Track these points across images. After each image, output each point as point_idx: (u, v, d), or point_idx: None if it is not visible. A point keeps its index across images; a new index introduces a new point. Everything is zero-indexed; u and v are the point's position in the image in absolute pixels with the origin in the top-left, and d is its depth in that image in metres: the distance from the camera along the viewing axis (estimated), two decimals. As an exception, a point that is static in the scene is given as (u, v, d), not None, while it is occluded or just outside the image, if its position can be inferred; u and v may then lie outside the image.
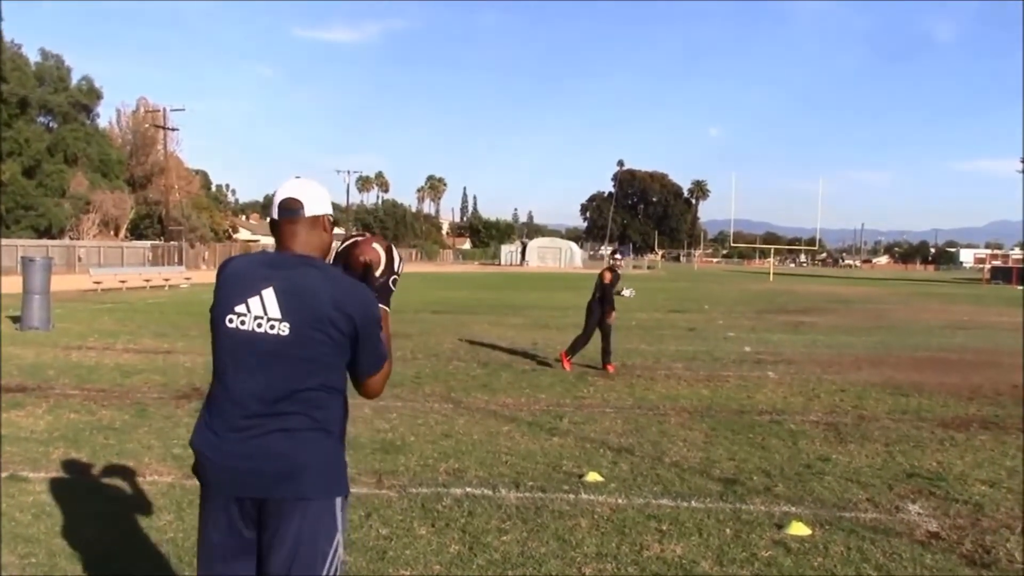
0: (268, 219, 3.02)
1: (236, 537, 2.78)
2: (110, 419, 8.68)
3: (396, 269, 3.03)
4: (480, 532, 5.46)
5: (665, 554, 5.13)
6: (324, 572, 2.76)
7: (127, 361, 12.97)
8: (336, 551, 2.79)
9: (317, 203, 2.92)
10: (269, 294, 2.78)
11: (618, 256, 14.10)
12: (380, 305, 2.90)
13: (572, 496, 6.27)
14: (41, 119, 66.58)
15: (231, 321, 2.80)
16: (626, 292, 13.82)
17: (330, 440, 2.81)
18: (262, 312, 2.77)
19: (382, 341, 2.89)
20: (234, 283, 2.86)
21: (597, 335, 13.08)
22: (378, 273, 2.96)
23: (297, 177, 2.99)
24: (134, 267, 46.53)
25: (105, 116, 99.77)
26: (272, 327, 2.75)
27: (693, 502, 6.18)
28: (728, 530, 5.59)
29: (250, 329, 2.77)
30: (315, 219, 2.91)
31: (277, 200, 2.91)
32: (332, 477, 2.82)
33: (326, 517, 2.77)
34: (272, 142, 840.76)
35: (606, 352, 12.93)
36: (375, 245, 3.00)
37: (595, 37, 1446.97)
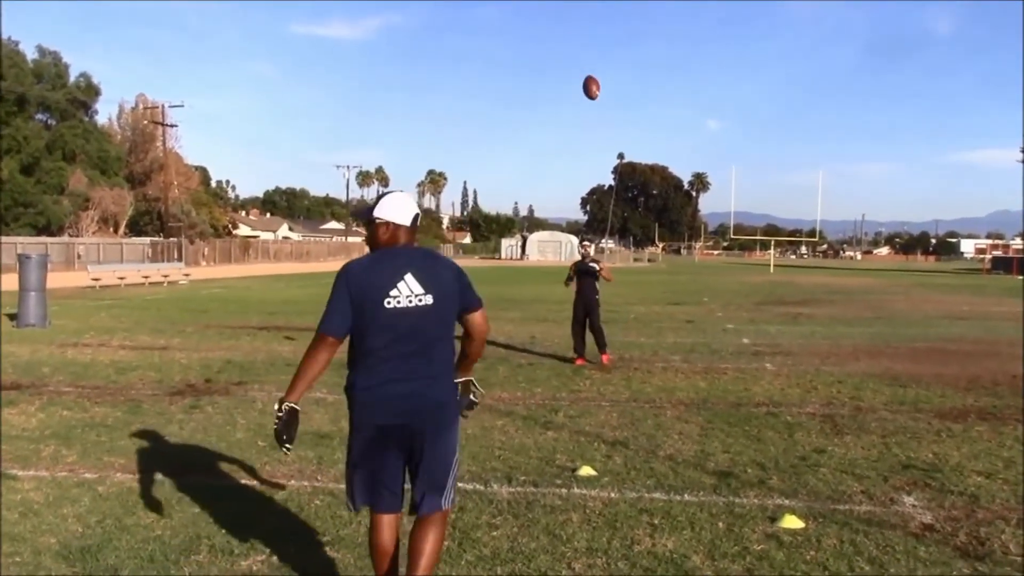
0: (379, 223, 3.98)
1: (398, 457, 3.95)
2: (103, 416, 8.65)
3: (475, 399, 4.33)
4: (470, 527, 5.42)
5: (656, 548, 5.09)
6: (450, 478, 3.98)
7: (122, 358, 12.93)
8: (457, 455, 4.05)
9: (417, 215, 4.08)
10: (410, 277, 3.84)
11: (586, 243, 14.33)
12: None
13: (564, 490, 6.22)
14: (39, 116, 66.56)
15: (389, 302, 3.79)
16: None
17: (452, 377, 4.05)
18: (410, 291, 3.82)
19: (473, 289, 4.06)
20: (379, 275, 3.85)
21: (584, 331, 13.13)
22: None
23: (385, 187, 3.54)
24: (133, 264, 46.51)
25: (103, 113, 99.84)
26: (420, 300, 3.83)
27: (686, 495, 6.14)
28: (721, 524, 5.54)
29: (405, 306, 3.81)
30: (415, 227, 4.06)
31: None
32: (456, 406, 4.12)
33: (455, 434, 4.05)
34: (272, 138, 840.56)
35: (581, 345, 12.98)
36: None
37: (594, 30, 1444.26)
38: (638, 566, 4.83)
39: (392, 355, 3.81)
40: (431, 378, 3.86)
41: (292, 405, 3.79)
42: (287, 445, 3.81)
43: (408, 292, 3.81)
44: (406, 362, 3.81)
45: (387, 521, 4.00)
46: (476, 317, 4.06)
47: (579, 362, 12.79)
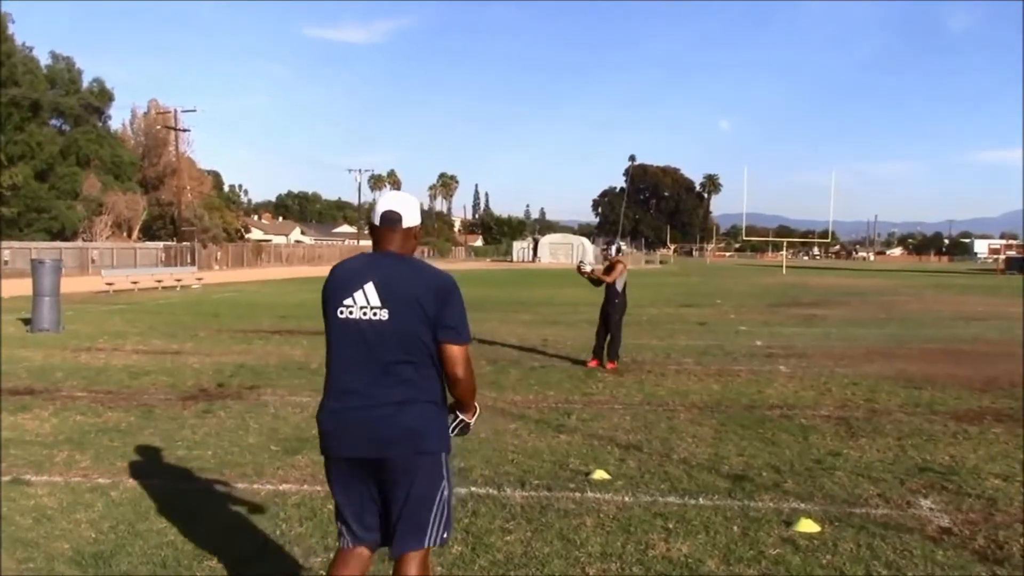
0: (368, 225, 3.67)
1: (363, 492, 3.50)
2: (116, 421, 8.65)
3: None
4: (483, 532, 5.39)
5: (671, 553, 5.05)
6: (432, 514, 3.44)
7: (135, 362, 12.95)
8: (443, 495, 3.48)
9: (411, 216, 3.58)
10: (370, 287, 3.39)
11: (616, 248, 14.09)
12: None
13: (578, 495, 6.19)
14: (53, 122, 66.84)
15: (341, 313, 3.41)
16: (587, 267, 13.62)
17: (431, 406, 3.46)
18: (366, 302, 3.38)
19: (462, 318, 3.47)
20: (341, 282, 3.47)
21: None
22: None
23: (396, 190, 3.72)
24: (146, 268, 46.63)
25: (117, 118, 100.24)
26: (375, 314, 3.37)
27: (701, 499, 6.10)
28: (736, 528, 5.50)
29: (357, 318, 3.38)
30: (409, 230, 3.56)
31: (380, 210, 3.54)
32: (435, 435, 3.49)
33: (434, 467, 3.47)
34: (284, 142, 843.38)
35: (600, 348, 12.92)
36: None
37: (606, 31, 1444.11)
38: (652, 571, 4.80)
39: (352, 376, 3.41)
40: (396, 404, 3.36)
41: None
42: None
43: (364, 303, 3.39)
44: (366, 386, 3.38)
45: (351, 557, 3.57)
46: (452, 352, 3.44)
47: (591, 363, 12.76)
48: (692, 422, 8.76)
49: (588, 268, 13.54)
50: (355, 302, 3.40)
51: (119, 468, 6.85)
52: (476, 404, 3.72)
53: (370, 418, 3.36)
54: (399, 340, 3.36)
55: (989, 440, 8.06)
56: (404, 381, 3.37)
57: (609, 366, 12.60)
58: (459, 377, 3.47)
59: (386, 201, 3.57)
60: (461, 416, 3.67)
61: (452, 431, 3.62)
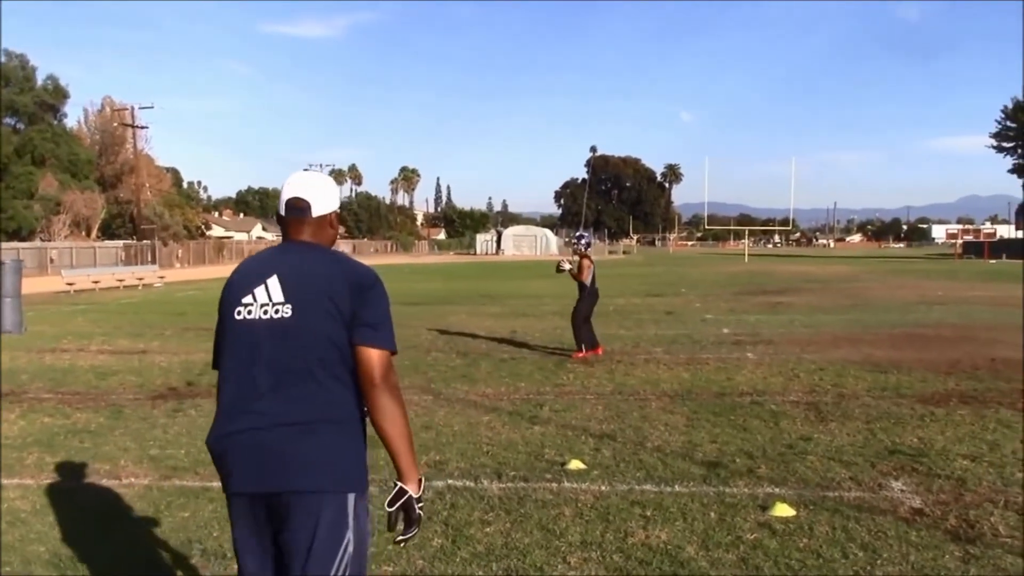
0: (275, 215, 3.07)
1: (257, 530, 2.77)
2: (85, 422, 8.56)
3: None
4: (463, 524, 5.40)
5: (650, 540, 5.09)
6: (334, 570, 2.69)
7: (102, 363, 12.81)
8: (347, 549, 2.71)
9: (324, 202, 2.96)
10: (273, 281, 2.80)
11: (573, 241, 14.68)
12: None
13: (555, 485, 6.22)
14: (7, 120, 65.75)
15: (239, 313, 2.82)
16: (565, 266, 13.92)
17: (341, 430, 2.76)
18: (267, 299, 2.79)
19: (385, 319, 2.82)
20: (241, 279, 2.89)
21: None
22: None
23: (305, 170, 3.03)
24: (107, 267, 46.00)
25: (72, 116, 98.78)
26: (276, 311, 2.76)
27: (677, 487, 6.15)
28: (712, 514, 5.55)
29: (254, 318, 2.78)
30: (322, 218, 2.96)
31: (285, 197, 2.94)
32: (342, 470, 2.74)
33: (337, 512, 2.70)
34: (244, 138, 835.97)
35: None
36: None
37: (566, 24, 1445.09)
38: (633, 558, 4.84)
39: (244, 390, 2.77)
40: (295, 426, 2.68)
41: None
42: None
43: (264, 300, 2.79)
44: (260, 401, 2.73)
45: None
46: (370, 357, 2.73)
47: (598, 351, 12.98)
48: (664, 410, 8.82)
49: (567, 267, 13.79)
50: (255, 300, 2.80)
51: (91, 470, 6.78)
52: (419, 473, 2.83)
53: (261, 443, 2.69)
54: (303, 342, 2.73)
55: (956, 422, 8.19)
56: (307, 396, 2.71)
57: (576, 355, 12.72)
58: (376, 386, 2.72)
59: (292, 187, 2.95)
60: (402, 486, 2.76)
61: (388, 506, 2.75)
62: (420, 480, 2.81)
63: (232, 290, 2.88)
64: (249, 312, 2.79)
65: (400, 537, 2.81)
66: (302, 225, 2.92)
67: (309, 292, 2.76)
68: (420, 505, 2.80)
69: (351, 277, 2.81)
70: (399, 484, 2.76)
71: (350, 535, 2.71)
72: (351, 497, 2.73)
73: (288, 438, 2.67)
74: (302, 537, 2.65)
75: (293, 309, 2.75)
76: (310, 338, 2.72)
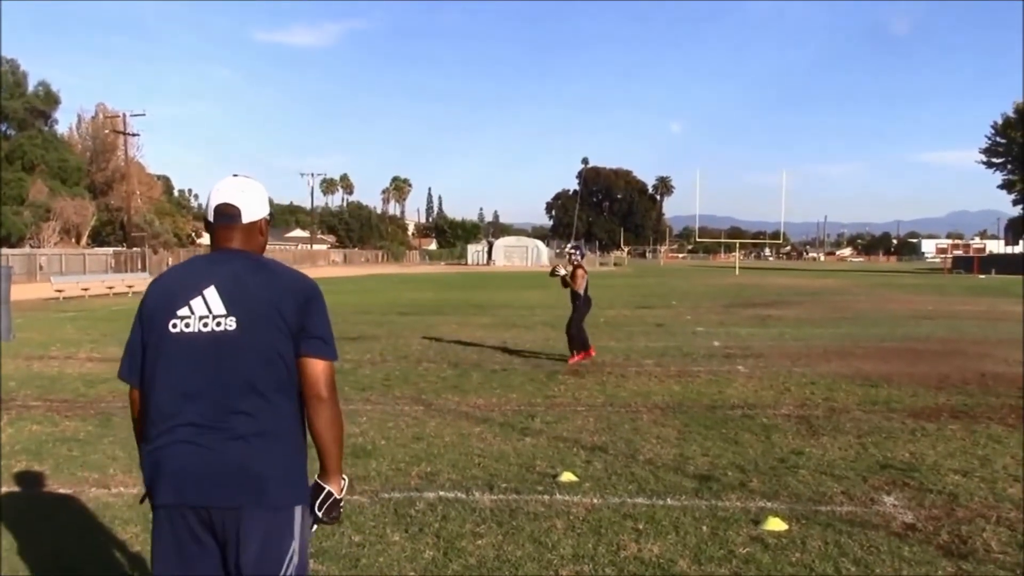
0: (204, 221, 2.99)
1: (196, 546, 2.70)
2: (74, 430, 8.51)
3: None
4: (455, 536, 5.37)
5: (642, 554, 5.07)
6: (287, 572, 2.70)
7: (91, 370, 12.73)
8: (291, 560, 2.72)
9: (254, 208, 2.91)
10: (211, 292, 2.75)
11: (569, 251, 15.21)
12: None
13: (547, 497, 6.20)
14: (-3, 126, 65.59)
15: (175, 326, 2.74)
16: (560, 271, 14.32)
17: (287, 444, 2.76)
18: (206, 311, 2.73)
19: (328, 330, 2.81)
20: (171, 289, 2.83)
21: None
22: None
23: (235, 176, 2.96)
24: (96, 275, 45.87)
25: (64, 122, 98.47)
26: (219, 324, 2.71)
27: (669, 500, 6.13)
28: (705, 527, 5.53)
29: (195, 331, 2.72)
30: (252, 225, 2.91)
31: (213, 204, 2.88)
32: (291, 483, 2.76)
33: (285, 525, 2.72)
34: (235, 146, 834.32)
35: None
36: None
37: (557, 35, 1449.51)
38: (625, 572, 4.81)
39: (184, 403, 2.69)
40: (238, 439, 2.65)
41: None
42: None
43: (204, 312, 2.72)
44: (202, 414, 2.67)
45: None
46: (315, 369, 2.74)
47: (590, 352, 13.44)
48: (655, 423, 8.80)
49: (562, 272, 14.12)
50: (192, 312, 2.73)
51: (80, 478, 6.74)
52: (343, 473, 2.89)
53: (201, 455, 2.65)
54: (249, 356, 2.69)
55: (947, 436, 8.19)
56: (251, 409, 2.68)
57: (571, 360, 13.20)
58: (323, 399, 2.74)
59: (221, 192, 2.88)
60: (326, 487, 2.82)
61: (317, 509, 2.81)
62: (342, 480, 2.87)
63: (161, 300, 2.82)
64: (187, 325, 2.73)
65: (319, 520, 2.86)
66: (232, 232, 2.87)
67: (254, 304, 2.73)
68: (341, 505, 2.88)
69: (294, 288, 2.80)
70: (324, 486, 2.82)
71: (295, 545, 2.74)
72: (298, 510, 2.76)
73: (236, 452, 2.66)
74: (250, 550, 2.65)
75: (238, 322, 2.71)
76: (257, 352, 2.70)
